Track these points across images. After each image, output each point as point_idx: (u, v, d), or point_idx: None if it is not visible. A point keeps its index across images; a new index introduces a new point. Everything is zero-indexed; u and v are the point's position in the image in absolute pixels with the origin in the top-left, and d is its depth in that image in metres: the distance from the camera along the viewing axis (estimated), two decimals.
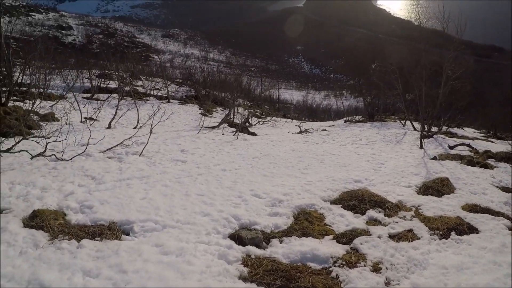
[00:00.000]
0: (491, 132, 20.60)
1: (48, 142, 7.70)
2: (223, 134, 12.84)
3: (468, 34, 16.52)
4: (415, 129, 16.93)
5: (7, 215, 4.79)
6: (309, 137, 14.07)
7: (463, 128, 18.83)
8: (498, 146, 14.75)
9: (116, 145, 8.94)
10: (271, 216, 5.60)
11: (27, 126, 9.89)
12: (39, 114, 12.30)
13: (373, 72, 26.73)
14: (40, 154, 7.42)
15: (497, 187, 7.80)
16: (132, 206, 5.44)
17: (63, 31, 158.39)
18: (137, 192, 6.09)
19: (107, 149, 8.63)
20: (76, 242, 4.24)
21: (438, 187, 7.22)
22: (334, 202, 6.37)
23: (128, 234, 4.69)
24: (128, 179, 6.72)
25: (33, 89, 14.40)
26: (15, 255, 3.87)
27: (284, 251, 4.49)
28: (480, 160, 10.26)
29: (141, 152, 8.65)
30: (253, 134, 13.71)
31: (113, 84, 21.72)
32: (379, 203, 6.19)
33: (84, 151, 7.98)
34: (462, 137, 16.16)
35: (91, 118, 12.87)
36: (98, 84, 20.52)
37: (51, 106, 14.53)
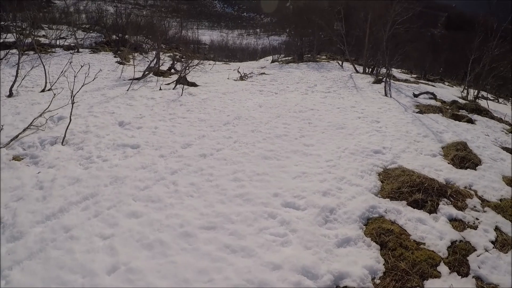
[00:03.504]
0: (414, 74, 20.24)
1: None
2: (160, 89, 9.47)
3: None
4: (357, 71, 15.44)
5: None
6: (259, 85, 11.41)
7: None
8: (442, 90, 14.11)
9: (24, 130, 5.36)
10: (343, 247, 3.40)
11: None
12: None
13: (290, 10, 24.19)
14: None
15: (501, 147, 7.06)
16: None
17: None
18: (92, 251, 2.99)
19: (12, 140, 5.07)
20: None
21: (468, 156, 6.03)
22: (391, 196, 4.57)
23: None
24: (61, 212, 3.53)
25: None
26: None
27: None
28: (454, 111, 9.41)
29: (64, 138, 5.23)
30: (194, 84, 10.57)
31: (11, 38, 16.94)
32: (440, 190, 4.72)
33: None
34: (406, 80, 15.18)
35: None
36: None
37: None
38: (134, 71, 10.72)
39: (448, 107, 10.28)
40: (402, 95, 11.01)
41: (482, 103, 12.97)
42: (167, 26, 21.98)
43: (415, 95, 11.08)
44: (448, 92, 14.39)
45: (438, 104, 10.48)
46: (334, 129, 6.83)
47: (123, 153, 4.96)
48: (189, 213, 3.53)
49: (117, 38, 19.81)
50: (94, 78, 6.90)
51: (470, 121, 8.66)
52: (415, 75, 18.92)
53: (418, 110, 9.15)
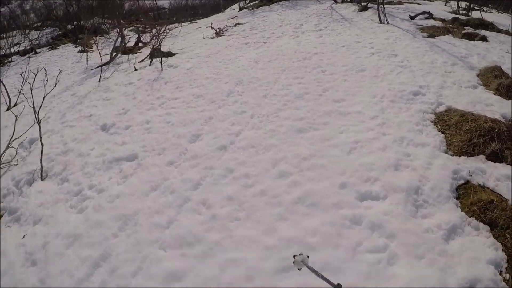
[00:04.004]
0: None
1: None
2: (135, 69, 7.87)
3: None
4: (336, 1, 13.84)
5: None
6: (241, 37, 9.78)
7: None
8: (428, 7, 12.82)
9: None
10: (453, 240, 2.59)
11: None
12: None
13: None
14: None
15: None
16: None
17: None
18: None
19: None
20: None
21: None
22: (465, 151, 3.63)
23: None
24: None
25: None
26: None
27: None
28: (461, 30, 8.51)
29: (42, 170, 3.90)
30: (170, 54, 8.99)
31: None
32: (509, 133, 3.82)
33: None
34: (390, 2, 13.63)
35: None
36: None
37: None
38: (101, 56, 9.01)
39: (451, 25, 9.13)
40: (398, 20, 9.68)
41: (474, 14, 11.93)
42: (122, 0, 19.56)
43: (412, 17, 9.79)
44: (434, 7, 13.11)
45: (440, 23, 9.32)
46: (354, 73, 5.64)
47: (120, 172, 3.66)
48: (250, 252, 2.37)
49: (73, 26, 17.63)
50: (56, 84, 5.39)
51: (484, 38, 7.72)
52: None
53: (427, 34, 8.00)
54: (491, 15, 12.45)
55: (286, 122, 4.12)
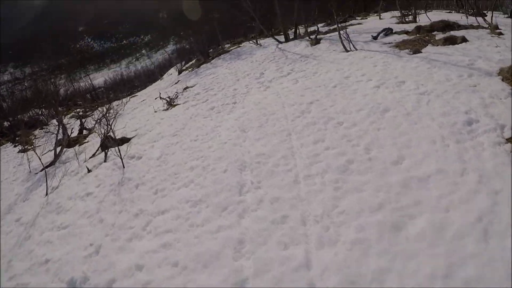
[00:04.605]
0: (319, 23, 17.98)
1: None
2: (88, 170, 6.00)
3: None
4: (280, 41, 13.10)
5: None
6: (201, 102, 8.23)
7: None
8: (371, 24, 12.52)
9: None
10: None
11: None
12: None
13: None
14: None
15: None
16: None
17: None
18: None
19: None
20: None
21: None
22: None
23: None
24: None
25: None
26: None
27: None
28: (431, 37, 7.98)
29: None
30: (125, 140, 7.25)
31: None
32: None
33: None
34: (335, 29, 13.19)
35: None
36: None
37: None
38: (40, 157, 7.00)
39: (418, 35, 8.53)
40: (361, 43, 8.94)
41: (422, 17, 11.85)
42: (56, 86, 17.72)
43: (375, 37, 9.14)
44: (377, 23, 12.89)
45: (406, 36, 8.80)
46: (380, 117, 4.40)
47: None
48: None
49: (9, 123, 15.65)
50: None
51: (465, 39, 7.19)
52: (321, 24, 17.06)
53: (410, 50, 7.27)
54: (433, 15, 12.34)
55: (364, 220, 2.63)
